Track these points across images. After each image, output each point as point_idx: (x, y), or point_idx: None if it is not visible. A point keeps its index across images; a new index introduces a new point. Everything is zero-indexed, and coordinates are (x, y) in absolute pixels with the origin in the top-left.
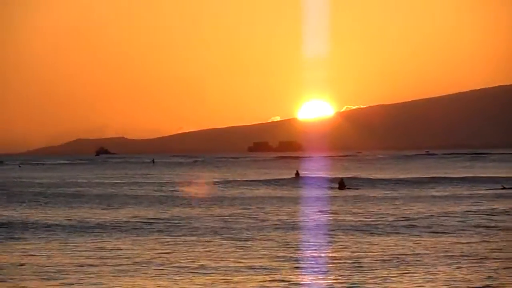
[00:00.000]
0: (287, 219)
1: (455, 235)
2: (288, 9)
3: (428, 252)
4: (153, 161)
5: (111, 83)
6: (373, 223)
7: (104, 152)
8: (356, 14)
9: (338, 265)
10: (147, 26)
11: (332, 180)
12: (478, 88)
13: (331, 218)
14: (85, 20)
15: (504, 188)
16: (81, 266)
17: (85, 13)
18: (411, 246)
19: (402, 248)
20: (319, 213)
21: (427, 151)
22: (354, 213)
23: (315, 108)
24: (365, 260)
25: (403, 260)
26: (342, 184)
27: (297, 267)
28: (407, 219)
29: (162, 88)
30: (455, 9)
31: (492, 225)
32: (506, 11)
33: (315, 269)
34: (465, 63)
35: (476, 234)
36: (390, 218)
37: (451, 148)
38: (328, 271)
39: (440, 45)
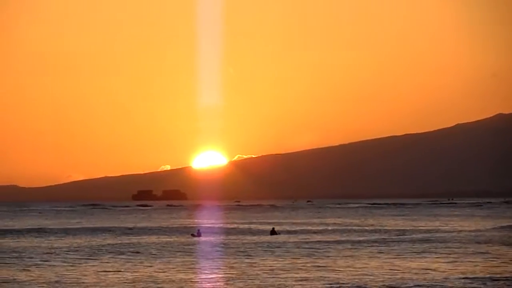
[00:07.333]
0: None
1: None
2: (183, 60)
3: None
4: None
5: (0, 130)
6: None
7: None
8: (247, 66)
9: None
10: (36, 69)
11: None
12: (371, 138)
13: None
14: None
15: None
16: None
17: None
18: None
19: None
20: None
21: (309, 201)
22: None
23: (208, 157)
24: None
25: None
26: (273, 232)
27: None
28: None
29: (51, 135)
30: (342, 63)
31: None
32: (393, 63)
33: None
34: (354, 115)
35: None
36: None
37: (332, 198)
38: None
39: (331, 96)
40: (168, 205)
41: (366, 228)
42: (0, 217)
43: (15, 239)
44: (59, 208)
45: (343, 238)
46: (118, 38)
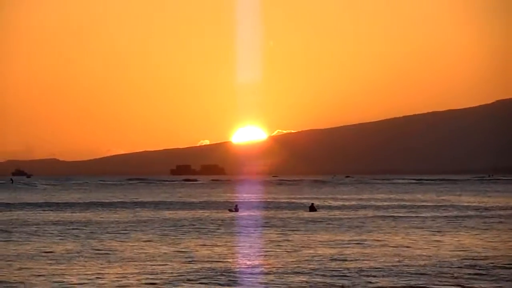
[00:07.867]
0: None
1: None
2: (222, 35)
3: None
4: (12, 181)
5: (42, 104)
6: None
7: (20, 173)
8: (288, 41)
9: None
10: (76, 44)
11: None
12: (410, 114)
13: None
14: (14, 39)
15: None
16: None
17: (12, 35)
18: None
19: None
20: None
21: (348, 176)
22: None
23: (248, 132)
24: None
25: None
26: (312, 207)
27: None
28: None
29: (91, 109)
30: (380, 41)
31: None
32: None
33: None
34: (390, 91)
35: None
36: None
37: (371, 173)
38: None
39: (372, 72)
40: (212, 180)
41: (405, 203)
42: (55, 190)
43: (80, 212)
44: (105, 182)
45: (381, 214)
46: (157, 14)
